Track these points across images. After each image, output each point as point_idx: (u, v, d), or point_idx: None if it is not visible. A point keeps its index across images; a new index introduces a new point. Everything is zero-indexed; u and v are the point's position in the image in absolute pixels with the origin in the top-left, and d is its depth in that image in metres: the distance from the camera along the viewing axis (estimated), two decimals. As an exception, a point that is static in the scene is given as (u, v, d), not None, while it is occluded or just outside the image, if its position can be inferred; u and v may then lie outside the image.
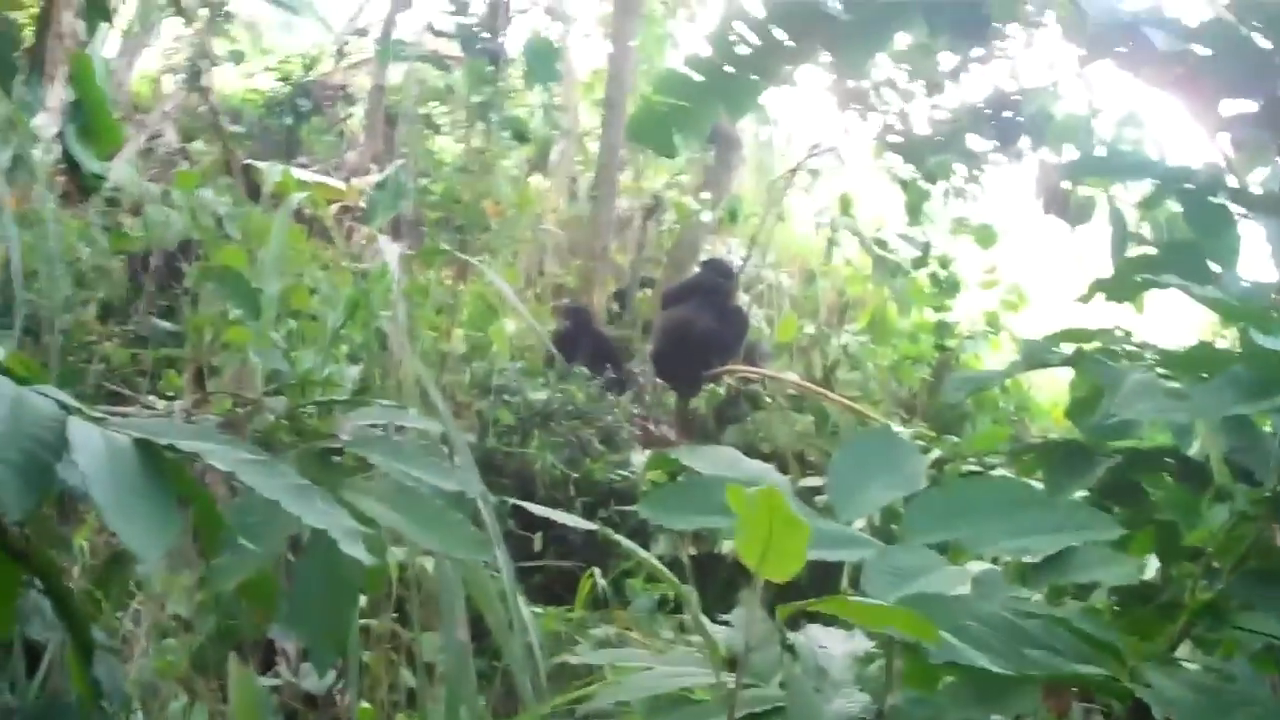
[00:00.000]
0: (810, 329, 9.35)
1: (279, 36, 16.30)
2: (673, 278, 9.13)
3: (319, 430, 2.50)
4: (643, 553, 2.07)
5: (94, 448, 1.68)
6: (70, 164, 9.20)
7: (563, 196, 11.75)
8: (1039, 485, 2.59)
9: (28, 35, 8.84)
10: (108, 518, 1.58)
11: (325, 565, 2.14)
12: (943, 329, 8.91)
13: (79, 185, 9.25)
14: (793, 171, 9.18)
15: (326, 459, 2.35)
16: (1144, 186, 4.92)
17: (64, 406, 1.78)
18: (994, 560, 2.47)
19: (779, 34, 5.54)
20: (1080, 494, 2.56)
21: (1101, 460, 2.57)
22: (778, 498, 1.69)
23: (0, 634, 2.22)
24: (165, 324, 5.94)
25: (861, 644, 2.47)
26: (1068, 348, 2.76)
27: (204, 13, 11.19)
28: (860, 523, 2.44)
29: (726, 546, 6.19)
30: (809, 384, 8.05)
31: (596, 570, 5.76)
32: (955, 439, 6.89)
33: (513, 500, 4.94)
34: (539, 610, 5.08)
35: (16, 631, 2.59)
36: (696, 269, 8.79)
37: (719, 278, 8.21)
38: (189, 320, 5.25)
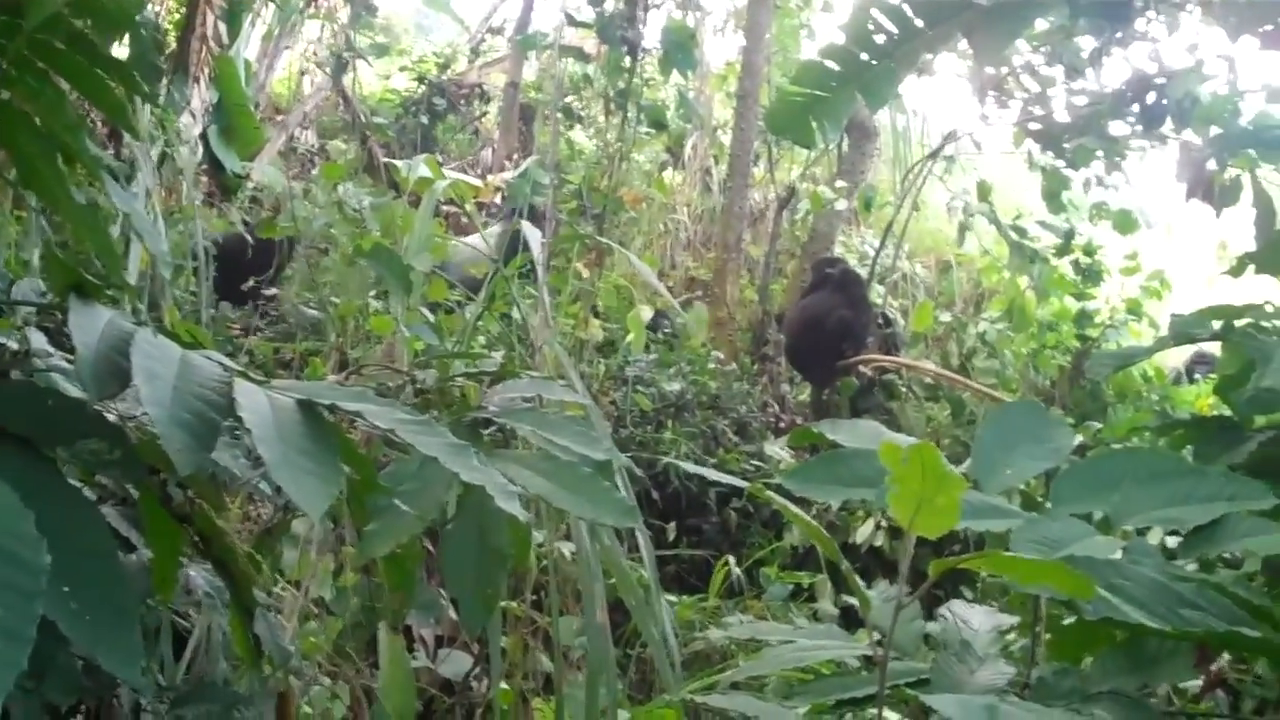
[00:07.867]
0: (946, 318, 9.24)
1: (414, 38, 16.56)
2: (807, 268, 9.05)
3: (467, 404, 2.55)
4: (793, 508, 2.06)
5: (259, 407, 1.74)
6: (213, 164, 9.48)
7: (696, 189, 11.77)
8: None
9: (171, 39, 9.13)
10: (274, 474, 1.62)
11: (478, 526, 2.18)
12: (1084, 318, 8.73)
13: (221, 185, 9.53)
14: (929, 158, 9.06)
15: (475, 430, 2.40)
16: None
17: (227, 369, 1.84)
18: (1142, 533, 2.44)
19: (917, 21, 5.52)
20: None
21: (1252, 435, 2.53)
22: (931, 452, 1.68)
23: (165, 595, 2.29)
24: (313, 312, 6.08)
25: (1004, 619, 2.45)
26: (1216, 324, 2.73)
27: (346, 10, 11.44)
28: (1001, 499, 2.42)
29: (860, 536, 6.18)
30: (945, 372, 7.96)
31: (730, 559, 5.77)
32: (1097, 425, 6.79)
33: (666, 459, 4.98)
34: (673, 599, 5.11)
35: (165, 616, 2.69)
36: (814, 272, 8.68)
37: (828, 269, 8.14)
38: (333, 309, 5.37)
